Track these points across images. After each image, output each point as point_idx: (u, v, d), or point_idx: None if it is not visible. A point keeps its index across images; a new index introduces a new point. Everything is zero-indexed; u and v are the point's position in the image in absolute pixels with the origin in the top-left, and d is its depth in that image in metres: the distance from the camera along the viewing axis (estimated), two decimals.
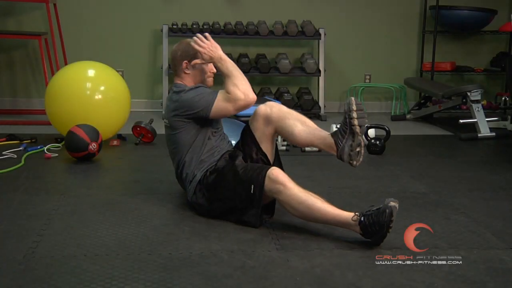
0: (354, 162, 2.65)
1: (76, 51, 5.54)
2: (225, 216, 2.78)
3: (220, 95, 2.79)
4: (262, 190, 2.63)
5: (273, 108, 2.84)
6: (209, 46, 2.83)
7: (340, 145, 2.66)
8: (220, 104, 2.77)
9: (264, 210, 2.76)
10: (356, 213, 2.52)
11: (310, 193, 2.60)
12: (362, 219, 2.49)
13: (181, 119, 2.84)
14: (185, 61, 2.92)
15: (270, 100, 4.80)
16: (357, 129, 2.61)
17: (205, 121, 2.85)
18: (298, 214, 2.61)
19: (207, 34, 2.88)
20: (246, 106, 2.78)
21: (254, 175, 2.67)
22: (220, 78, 2.87)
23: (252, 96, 2.77)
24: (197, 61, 2.88)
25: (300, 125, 2.79)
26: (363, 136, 2.68)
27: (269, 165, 2.85)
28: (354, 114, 2.61)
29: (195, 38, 2.86)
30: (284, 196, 2.59)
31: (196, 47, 2.84)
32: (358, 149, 2.63)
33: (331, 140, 2.70)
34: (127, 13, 5.74)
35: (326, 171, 3.75)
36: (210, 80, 2.96)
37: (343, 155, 2.65)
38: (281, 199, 2.61)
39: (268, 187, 2.62)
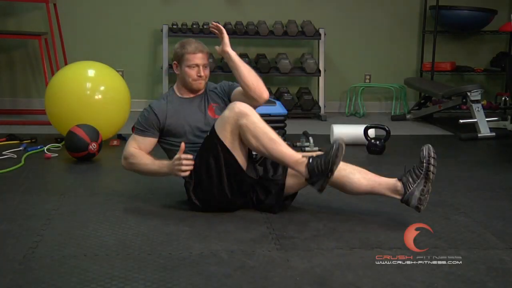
0: (421, 207, 2.69)
1: (76, 51, 5.54)
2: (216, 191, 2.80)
3: (135, 138, 2.94)
4: (215, 131, 2.71)
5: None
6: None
7: (409, 189, 2.70)
8: (129, 139, 2.98)
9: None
10: (304, 156, 2.65)
11: None
12: (310, 160, 2.61)
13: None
14: (174, 62, 2.96)
15: (271, 100, 4.80)
16: (431, 175, 2.67)
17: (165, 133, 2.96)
18: (256, 143, 2.66)
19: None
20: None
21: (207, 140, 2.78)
22: (224, 77, 2.87)
23: (123, 164, 2.95)
24: (186, 62, 2.91)
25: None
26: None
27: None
28: (432, 161, 2.68)
29: (211, 27, 2.92)
30: (250, 119, 2.65)
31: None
32: (427, 196, 2.69)
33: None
34: (127, 13, 5.74)
35: None
36: (195, 84, 2.92)
37: (411, 200, 2.70)
38: (246, 122, 2.64)
39: (234, 118, 2.66)
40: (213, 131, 2.75)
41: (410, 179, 2.70)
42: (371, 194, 2.82)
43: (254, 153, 2.89)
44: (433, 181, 2.69)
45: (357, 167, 2.82)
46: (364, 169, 2.84)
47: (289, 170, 2.82)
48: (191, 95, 2.98)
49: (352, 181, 2.78)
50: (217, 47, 2.90)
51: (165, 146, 2.99)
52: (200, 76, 2.90)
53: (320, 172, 2.60)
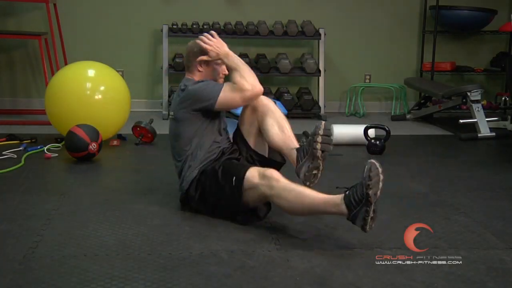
0: (307, 183, 2.66)
1: (76, 51, 5.54)
2: (214, 212, 2.80)
3: (227, 86, 2.80)
4: (241, 184, 2.65)
5: (261, 101, 2.86)
6: (215, 43, 2.87)
7: (300, 162, 2.68)
8: (227, 94, 2.78)
9: (255, 213, 2.77)
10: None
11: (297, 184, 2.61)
12: (347, 192, 2.43)
13: (188, 111, 2.84)
14: (199, 59, 2.92)
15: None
16: (318, 153, 2.62)
17: (211, 116, 2.86)
18: (289, 205, 2.56)
19: (213, 32, 2.91)
20: (253, 97, 2.81)
21: (237, 169, 2.71)
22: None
23: (259, 88, 2.80)
24: (204, 57, 2.89)
25: (277, 128, 2.81)
26: (323, 161, 2.65)
27: (262, 159, 2.90)
28: (319, 139, 2.62)
29: (201, 36, 2.89)
30: (276, 189, 2.57)
31: (202, 44, 2.87)
32: (314, 172, 2.65)
33: (294, 154, 2.72)
34: (127, 13, 5.74)
35: (325, 171, 3.73)
36: (221, 80, 2.96)
37: (300, 173, 2.68)
38: (274, 194, 2.58)
39: (261, 183, 2.61)
40: (239, 186, 2.68)
41: (301, 153, 2.68)
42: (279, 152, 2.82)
43: None
44: (324, 159, 2.64)
45: (283, 120, 2.84)
46: (288, 125, 2.84)
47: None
48: None
49: (268, 134, 2.80)
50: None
51: (196, 126, 2.87)
52: (224, 74, 2.96)
53: (357, 202, 2.39)
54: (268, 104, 2.88)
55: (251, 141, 2.94)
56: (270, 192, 2.59)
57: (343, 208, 2.42)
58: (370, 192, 2.33)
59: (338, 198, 2.45)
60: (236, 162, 2.86)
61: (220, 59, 2.88)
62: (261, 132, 2.91)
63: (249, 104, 2.88)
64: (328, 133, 2.65)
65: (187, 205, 2.91)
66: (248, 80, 2.77)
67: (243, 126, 2.96)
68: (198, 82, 2.88)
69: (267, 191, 2.60)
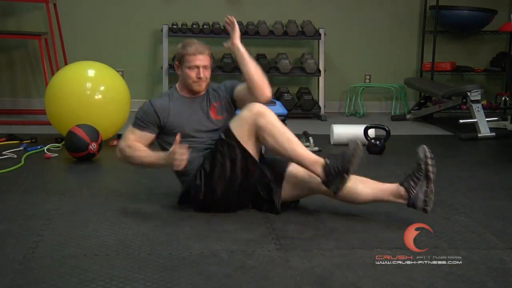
0: (427, 208, 2.71)
1: (76, 51, 5.54)
2: (223, 198, 2.79)
3: (133, 132, 2.88)
4: (230, 130, 2.73)
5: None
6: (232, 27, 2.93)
7: (412, 194, 2.71)
8: (125, 132, 2.91)
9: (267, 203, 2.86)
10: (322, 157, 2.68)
11: None
12: (328, 161, 2.65)
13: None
14: (176, 62, 2.95)
15: (271, 100, 4.80)
16: (431, 175, 2.69)
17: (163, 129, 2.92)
18: (274, 143, 2.69)
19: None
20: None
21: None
22: (227, 78, 2.87)
23: (118, 156, 2.90)
24: (187, 63, 2.89)
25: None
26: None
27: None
28: (429, 161, 2.69)
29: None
30: (269, 119, 2.68)
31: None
32: (432, 196, 2.70)
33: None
34: (127, 13, 5.74)
35: None
36: (196, 86, 2.90)
37: (416, 203, 2.70)
38: (264, 123, 2.68)
39: (253, 118, 2.69)
40: (229, 134, 2.75)
41: (412, 183, 2.71)
42: (375, 202, 2.82)
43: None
44: (434, 180, 2.69)
45: (358, 177, 2.81)
46: (365, 177, 2.84)
47: (287, 180, 2.85)
48: (193, 95, 2.97)
49: (356, 192, 2.78)
50: (225, 43, 2.91)
51: (163, 145, 2.94)
52: (199, 78, 2.88)
53: (337, 173, 2.64)
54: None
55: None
56: (258, 121, 2.69)
57: (320, 171, 2.66)
58: (351, 167, 2.63)
59: (320, 162, 2.66)
60: None
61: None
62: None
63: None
64: (432, 155, 2.73)
65: (188, 203, 2.89)
66: (129, 153, 2.86)
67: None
68: (148, 102, 2.93)
69: (256, 120, 2.69)
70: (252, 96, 2.83)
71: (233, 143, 2.74)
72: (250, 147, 2.75)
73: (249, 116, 2.73)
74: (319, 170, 2.67)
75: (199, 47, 2.89)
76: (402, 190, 2.73)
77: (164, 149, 2.91)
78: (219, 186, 2.78)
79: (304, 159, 2.70)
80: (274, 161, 2.92)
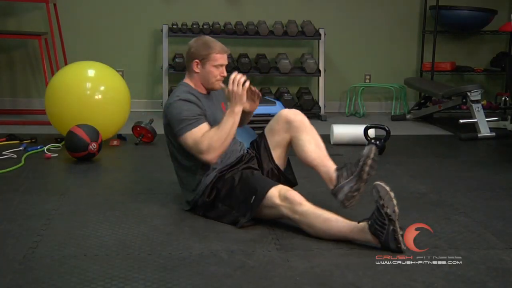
0: (346, 204, 2.70)
1: (76, 51, 5.54)
2: (220, 219, 2.78)
3: (196, 133, 2.71)
4: (260, 203, 2.63)
5: (298, 116, 2.87)
6: (237, 93, 2.72)
7: (340, 182, 2.69)
8: (187, 141, 2.72)
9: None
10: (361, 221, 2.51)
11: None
12: (369, 222, 2.46)
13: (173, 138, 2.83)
14: (196, 60, 2.84)
15: (270, 100, 4.81)
16: (365, 176, 2.67)
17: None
18: (314, 231, 2.57)
19: (247, 82, 2.76)
20: (200, 158, 2.74)
21: (259, 185, 2.67)
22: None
23: (211, 158, 2.71)
24: (212, 61, 2.82)
25: (314, 145, 2.82)
26: (365, 185, 2.69)
27: (279, 174, 2.91)
28: (370, 162, 2.67)
29: (235, 74, 2.74)
30: (300, 213, 2.57)
31: (230, 86, 2.74)
32: (355, 194, 2.67)
33: (333, 174, 2.74)
34: (127, 13, 5.74)
35: None
36: (217, 83, 2.87)
37: (339, 193, 2.70)
38: (297, 218, 2.58)
39: (282, 205, 2.59)
40: (256, 206, 2.65)
41: (344, 174, 2.71)
42: (313, 168, 2.81)
43: None
44: (367, 182, 2.67)
45: (318, 137, 2.84)
46: (322, 142, 2.86)
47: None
48: (207, 93, 2.92)
49: (305, 150, 2.80)
50: (224, 89, 2.84)
51: (179, 146, 2.84)
52: (223, 76, 2.87)
53: (381, 226, 2.43)
54: (304, 120, 2.87)
55: (275, 154, 2.93)
56: (293, 216, 2.59)
57: (369, 236, 2.46)
58: (388, 211, 2.40)
59: (363, 226, 2.48)
60: (257, 176, 2.78)
61: (229, 103, 2.77)
62: (287, 147, 2.90)
63: (284, 116, 2.86)
64: (376, 159, 2.70)
65: (192, 210, 2.89)
66: (211, 145, 2.68)
67: (272, 137, 2.92)
68: (182, 102, 2.75)
69: (289, 214, 2.60)
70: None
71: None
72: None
73: (282, 205, 2.60)
74: (369, 236, 2.47)
75: (223, 46, 2.87)
76: (333, 175, 2.73)
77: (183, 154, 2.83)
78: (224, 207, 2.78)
79: (348, 233, 2.51)
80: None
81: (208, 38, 2.91)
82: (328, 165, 2.78)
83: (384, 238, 2.42)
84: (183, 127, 2.72)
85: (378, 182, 2.48)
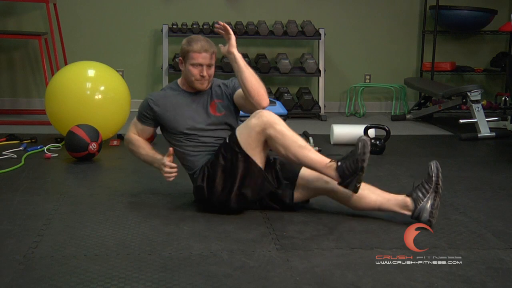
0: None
1: (76, 51, 5.55)
2: (224, 195, 2.79)
3: (132, 123, 3.03)
4: (235, 136, 2.73)
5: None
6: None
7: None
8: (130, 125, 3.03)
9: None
10: (332, 160, 2.69)
11: None
12: (339, 163, 2.65)
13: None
14: (180, 58, 2.92)
15: (271, 100, 4.80)
16: (440, 190, 2.71)
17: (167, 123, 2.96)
18: (286, 152, 2.67)
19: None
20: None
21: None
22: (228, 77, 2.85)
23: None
24: (191, 60, 2.87)
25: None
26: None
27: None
28: (441, 176, 2.72)
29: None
30: (279, 129, 2.66)
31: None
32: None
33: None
34: (127, 13, 5.74)
35: None
36: (197, 83, 2.89)
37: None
38: (274, 132, 2.66)
39: (261, 126, 2.67)
40: (235, 140, 2.73)
41: (420, 194, 2.70)
42: (379, 210, 2.80)
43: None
44: (441, 196, 2.70)
45: (366, 184, 2.80)
46: (373, 186, 2.84)
47: (299, 182, 2.86)
48: (194, 91, 2.95)
49: (362, 196, 2.76)
50: (221, 46, 2.84)
51: (166, 137, 3.02)
52: (202, 76, 2.86)
53: (351, 173, 2.64)
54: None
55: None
56: (268, 131, 2.67)
57: (334, 174, 2.66)
58: (364, 164, 2.62)
59: (332, 165, 2.66)
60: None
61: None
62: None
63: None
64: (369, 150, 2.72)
65: (199, 200, 2.91)
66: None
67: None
68: (146, 97, 3.00)
69: (265, 129, 2.67)
70: (248, 104, 2.81)
71: (236, 149, 2.73)
72: (256, 155, 2.74)
73: (258, 124, 2.69)
74: (333, 173, 2.66)
75: (205, 44, 2.86)
76: (409, 200, 2.72)
77: (170, 143, 2.97)
78: (220, 189, 2.79)
79: (316, 164, 2.69)
80: (285, 165, 2.92)
81: (195, 36, 2.93)
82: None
83: (347, 181, 2.65)
84: (137, 114, 3.03)
85: (364, 138, 2.67)
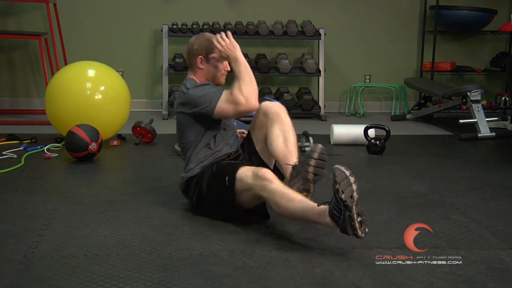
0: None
1: (76, 51, 5.54)
2: (213, 213, 2.79)
3: (224, 95, 2.78)
4: (234, 182, 2.64)
5: (273, 108, 2.86)
6: (227, 44, 2.83)
7: (292, 181, 2.64)
8: (222, 105, 2.77)
9: (257, 213, 2.76)
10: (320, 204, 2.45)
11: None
12: (330, 205, 2.39)
13: (187, 116, 2.86)
14: (200, 56, 2.89)
15: (271, 100, 4.81)
16: (310, 176, 2.60)
17: (211, 120, 2.84)
18: (279, 210, 2.54)
19: (229, 32, 2.87)
20: (246, 112, 2.78)
21: (230, 167, 2.72)
22: (233, 77, 2.85)
23: (254, 103, 2.77)
24: (214, 55, 2.87)
25: (282, 140, 2.78)
26: (314, 185, 2.62)
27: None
28: (312, 162, 2.60)
29: (217, 35, 2.85)
30: (269, 191, 2.54)
31: (216, 43, 2.84)
32: (304, 194, 2.57)
33: (290, 170, 2.70)
34: (127, 13, 5.74)
35: (326, 171, 3.73)
36: (222, 78, 2.94)
37: (293, 187, 2.61)
38: (266, 195, 2.56)
39: (254, 184, 2.59)
40: (231, 188, 2.68)
41: (294, 173, 2.65)
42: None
43: None
44: (313, 182, 2.60)
45: (289, 133, 2.78)
46: (293, 137, 2.80)
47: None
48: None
49: (272, 144, 2.78)
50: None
51: (197, 131, 2.88)
52: (227, 70, 2.92)
53: (339, 212, 2.36)
54: (279, 112, 2.85)
55: (258, 147, 2.94)
56: (262, 193, 2.57)
57: (328, 220, 2.40)
58: (343, 196, 2.30)
59: (324, 209, 2.42)
60: (232, 162, 2.83)
61: (228, 61, 2.85)
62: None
63: (261, 109, 2.87)
64: (323, 158, 2.62)
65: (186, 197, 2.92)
66: (244, 93, 2.73)
67: (254, 131, 2.96)
68: (198, 86, 2.86)
69: (260, 191, 2.58)
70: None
71: (228, 196, 2.70)
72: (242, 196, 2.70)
73: (256, 185, 2.59)
74: (328, 220, 2.41)
75: None
76: (288, 173, 2.67)
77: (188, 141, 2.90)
78: (210, 208, 2.80)
79: (310, 215, 2.47)
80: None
81: (209, 34, 2.96)
82: (288, 161, 2.73)
83: (341, 223, 2.35)
84: (213, 99, 2.77)
85: (337, 166, 2.37)
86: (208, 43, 2.88)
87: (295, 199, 2.50)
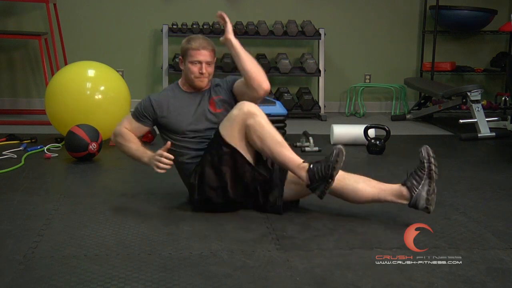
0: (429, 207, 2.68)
1: (76, 51, 5.54)
2: (215, 187, 2.79)
3: (125, 119, 3.03)
4: (224, 139, 2.73)
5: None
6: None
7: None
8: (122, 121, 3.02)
9: (262, 166, 2.85)
10: (306, 161, 2.69)
11: None
12: (311, 166, 2.65)
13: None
14: (180, 57, 2.95)
15: (270, 100, 4.81)
16: (434, 175, 2.67)
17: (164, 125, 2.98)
18: (261, 145, 2.68)
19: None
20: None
21: (216, 140, 2.79)
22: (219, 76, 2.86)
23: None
24: (189, 57, 2.88)
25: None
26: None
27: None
28: (434, 161, 2.68)
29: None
30: (258, 120, 2.67)
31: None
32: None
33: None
34: (127, 13, 5.74)
35: None
36: (197, 81, 2.90)
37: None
38: (253, 123, 2.66)
39: (242, 117, 2.68)
40: (217, 133, 2.76)
41: (414, 182, 2.69)
42: (377, 202, 2.80)
43: None
44: (436, 180, 2.68)
45: (361, 176, 2.80)
46: (367, 177, 2.83)
47: (289, 178, 2.83)
48: (194, 90, 2.96)
49: (357, 189, 2.75)
50: (220, 39, 2.87)
51: (164, 137, 3.00)
52: (202, 73, 2.88)
53: (321, 178, 2.63)
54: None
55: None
56: (248, 122, 2.68)
57: (304, 176, 2.65)
58: (335, 173, 2.61)
59: (304, 166, 2.66)
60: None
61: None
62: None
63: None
64: (434, 155, 2.72)
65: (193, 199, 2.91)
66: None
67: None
68: (147, 97, 3.02)
69: (247, 121, 2.68)
70: (250, 89, 2.82)
71: (220, 143, 2.74)
72: (243, 146, 2.74)
73: (239, 115, 2.72)
74: (303, 174, 2.66)
75: (203, 42, 2.89)
76: (404, 189, 2.71)
77: (164, 141, 2.94)
78: (211, 185, 2.79)
79: (289, 162, 2.69)
80: None
81: (194, 35, 2.98)
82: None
83: (315, 185, 2.64)
84: (133, 111, 3.03)
85: (340, 147, 2.65)
86: (187, 44, 2.89)
87: (282, 144, 2.69)
